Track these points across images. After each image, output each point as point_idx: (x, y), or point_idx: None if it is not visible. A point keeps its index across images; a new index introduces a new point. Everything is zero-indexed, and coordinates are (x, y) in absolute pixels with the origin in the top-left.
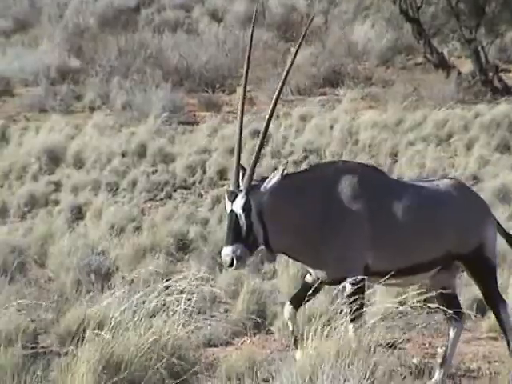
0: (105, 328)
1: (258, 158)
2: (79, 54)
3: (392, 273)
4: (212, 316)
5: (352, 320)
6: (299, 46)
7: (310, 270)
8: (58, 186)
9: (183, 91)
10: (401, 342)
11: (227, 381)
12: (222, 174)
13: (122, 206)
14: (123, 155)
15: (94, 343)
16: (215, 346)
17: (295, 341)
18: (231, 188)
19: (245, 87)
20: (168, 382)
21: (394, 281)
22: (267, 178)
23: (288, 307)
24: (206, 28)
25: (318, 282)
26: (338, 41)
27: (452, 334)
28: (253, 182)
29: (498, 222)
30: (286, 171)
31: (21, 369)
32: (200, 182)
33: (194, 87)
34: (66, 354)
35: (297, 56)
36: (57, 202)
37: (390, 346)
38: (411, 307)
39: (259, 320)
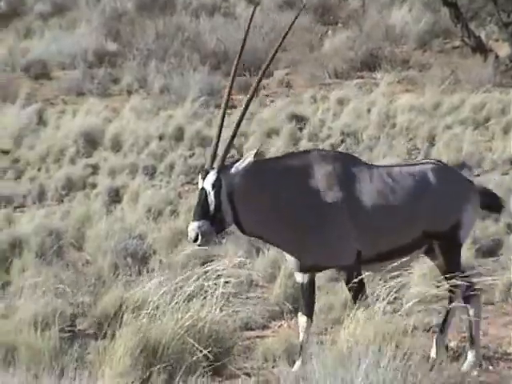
0: (142, 311)
1: (233, 140)
2: (117, 38)
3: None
4: (249, 299)
5: (356, 304)
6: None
7: (292, 259)
8: (95, 169)
9: (220, 75)
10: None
11: (264, 363)
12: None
13: (159, 189)
14: (160, 138)
15: (132, 326)
16: (252, 329)
17: (301, 349)
18: (206, 166)
19: (236, 65)
20: (205, 365)
21: (377, 266)
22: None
23: (302, 319)
24: (243, 12)
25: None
26: (375, 24)
27: (471, 312)
28: (226, 163)
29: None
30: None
31: (58, 352)
32: None
33: (231, 71)
34: (104, 337)
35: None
36: (94, 186)
37: (427, 330)
38: (448, 290)
39: (296, 304)
